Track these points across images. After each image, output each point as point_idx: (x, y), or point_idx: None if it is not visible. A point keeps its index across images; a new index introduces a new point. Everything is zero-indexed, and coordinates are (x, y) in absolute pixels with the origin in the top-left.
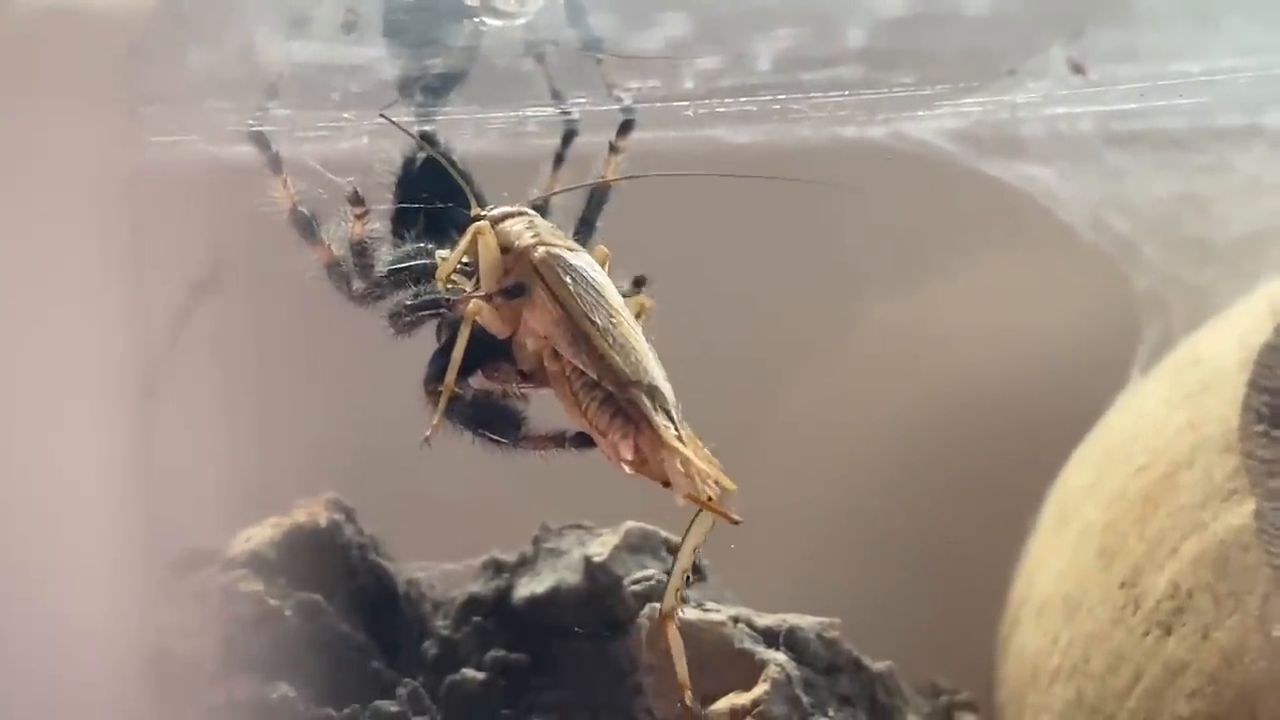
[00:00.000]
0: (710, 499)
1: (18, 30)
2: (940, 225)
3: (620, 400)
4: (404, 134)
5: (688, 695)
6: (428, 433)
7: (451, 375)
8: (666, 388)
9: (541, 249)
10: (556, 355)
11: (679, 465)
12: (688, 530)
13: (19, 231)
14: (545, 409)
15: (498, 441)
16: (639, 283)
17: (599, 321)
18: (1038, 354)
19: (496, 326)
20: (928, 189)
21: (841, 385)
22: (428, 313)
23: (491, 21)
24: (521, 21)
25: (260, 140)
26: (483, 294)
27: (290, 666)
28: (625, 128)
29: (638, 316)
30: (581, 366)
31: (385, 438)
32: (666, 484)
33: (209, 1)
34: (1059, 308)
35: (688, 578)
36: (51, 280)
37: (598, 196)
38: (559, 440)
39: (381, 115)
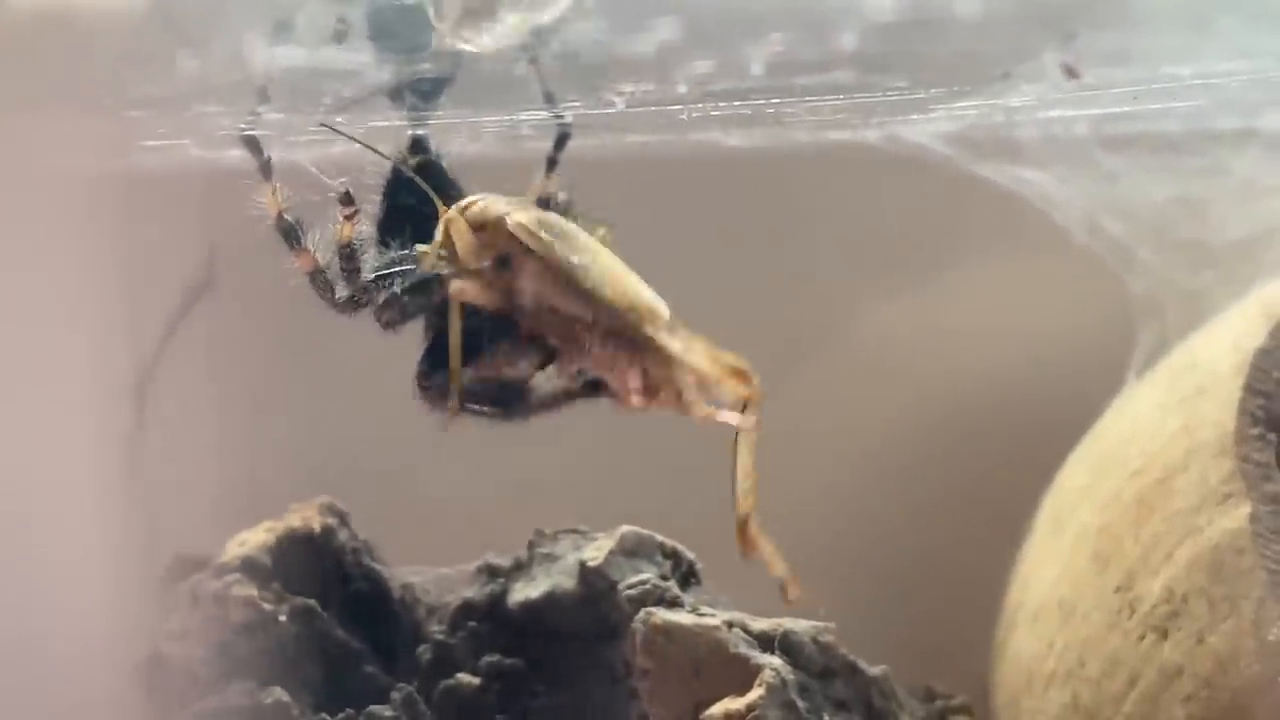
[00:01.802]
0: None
1: (8, 35)
2: (935, 228)
3: (619, 330)
4: (377, 143)
5: (792, 588)
6: (448, 417)
7: (455, 360)
8: (660, 305)
9: (517, 214)
10: (554, 310)
11: (689, 378)
12: (737, 435)
13: (10, 235)
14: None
15: (511, 417)
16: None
17: (581, 261)
18: (1032, 357)
19: (488, 301)
20: (922, 192)
21: (836, 388)
22: (418, 299)
23: (465, 47)
24: (490, 52)
25: (253, 145)
26: (468, 271)
27: (284, 672)
28: (561, 141)
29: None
30: (577, 310)
31: (379, 442)
32: (685, 411)
33: (199, 6)
34: (1054, 311)
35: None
36: (43, 285)
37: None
38: (569, 395)
39: (323, 124)
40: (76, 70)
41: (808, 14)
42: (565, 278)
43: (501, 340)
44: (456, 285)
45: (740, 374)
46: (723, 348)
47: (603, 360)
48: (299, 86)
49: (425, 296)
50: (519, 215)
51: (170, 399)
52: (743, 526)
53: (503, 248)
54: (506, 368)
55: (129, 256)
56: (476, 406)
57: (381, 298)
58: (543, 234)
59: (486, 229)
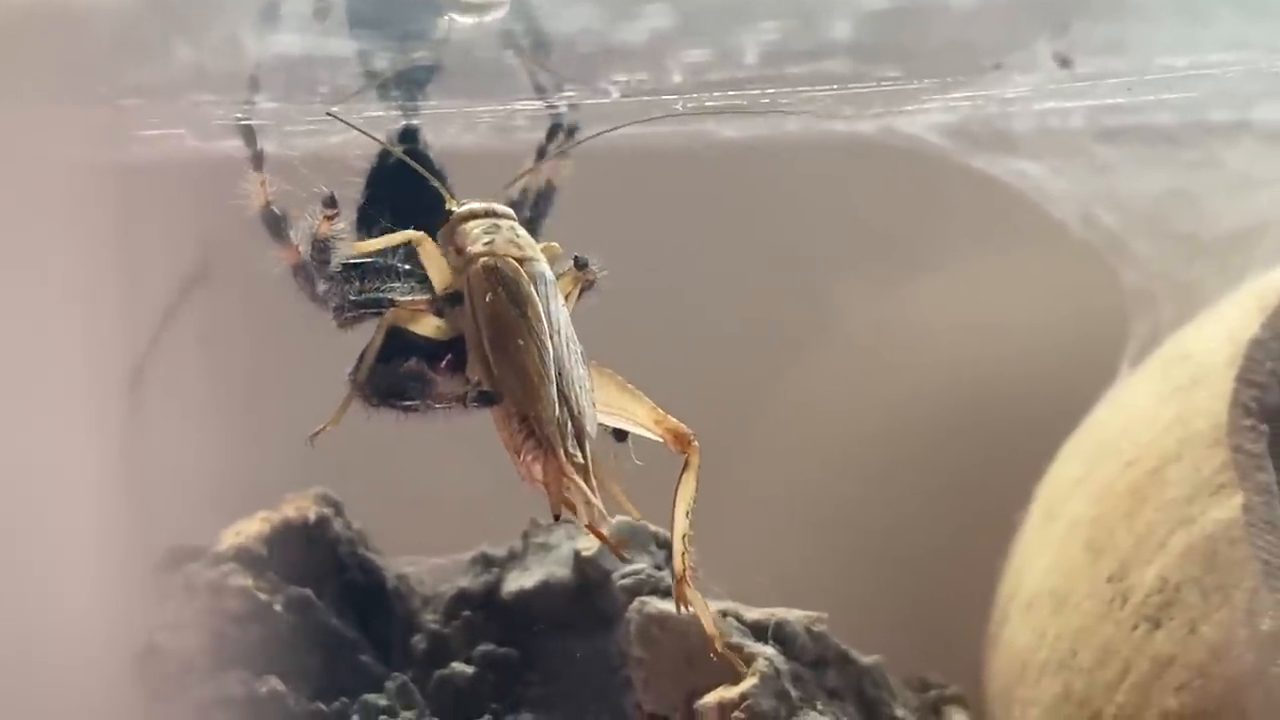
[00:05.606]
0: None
1: (4, 24)
2: (929, 220)
3: (532, 423)
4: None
5: (718, 642)
6: (318, 429)
7: (362, 374)
8: (584, 409)
9: (485, 259)
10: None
11: (584, 496)
12: (675, 494)
13: (3, 225)
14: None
15: (410, 408)
16: (580, 265)
17: (509, 347)
18: (1027, 349)
19: (433, 331)
20: (917, 184)
21: (829, 379)
22: (371, 310)
23: (461, 19)
24: (491, 18)
25: (248, 134)
26: (422, 300)
27: (280, 661)
28: (554, 131)
29: (583, 292)
30: (485, 385)
31: (373, 432)
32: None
33: None
34: (1048, 303)
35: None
36: (37, 274)
37: (544, 199)
38: (461, 399)
39: (329, 113)
40: (71, 59)
41: (799, 3)
42: (480, 353)
43: (448, 358)
44: (390, 314)
45: (680, 437)
46: (716, 341)
47: (514, 441)
48: (293, 76)
49: (382, 305)
50: (483, 263)
51: (165, 389)
52: (678, 585)
53: (462, 285)
54: (445, 382)
55: (124, 246)
56: (380, 399)
57: (334, 303)
58: (488, 296)
59: (463, 256)
